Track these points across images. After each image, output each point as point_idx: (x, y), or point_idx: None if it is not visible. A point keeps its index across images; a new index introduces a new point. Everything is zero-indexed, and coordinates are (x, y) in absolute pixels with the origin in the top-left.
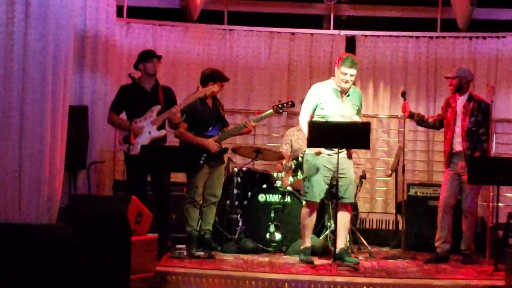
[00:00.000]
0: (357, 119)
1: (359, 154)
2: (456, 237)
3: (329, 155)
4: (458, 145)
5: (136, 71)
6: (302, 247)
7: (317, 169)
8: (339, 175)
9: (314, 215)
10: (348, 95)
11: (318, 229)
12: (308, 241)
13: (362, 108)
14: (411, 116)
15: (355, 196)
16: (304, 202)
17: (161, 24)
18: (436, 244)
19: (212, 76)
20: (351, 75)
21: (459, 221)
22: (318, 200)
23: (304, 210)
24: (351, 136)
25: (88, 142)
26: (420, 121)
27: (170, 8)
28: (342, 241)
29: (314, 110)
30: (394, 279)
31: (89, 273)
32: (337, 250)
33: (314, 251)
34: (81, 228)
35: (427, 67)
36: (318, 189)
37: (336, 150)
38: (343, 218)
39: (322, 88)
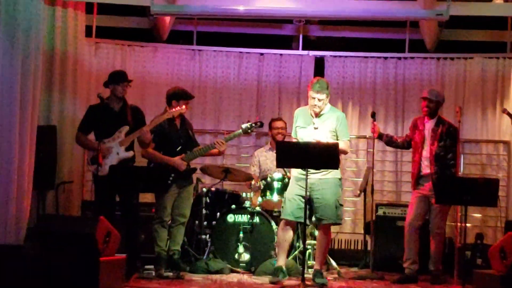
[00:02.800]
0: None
1: None
2: (424, 257)
3: (303, 175)
4: (426, 168)
5: (105, 89)
6: (275, 266)
7: (293, 188)
8: (314, 197)
9: (289, 235)
10: (320, 117)
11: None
12: (281, 260)
13: (346, 133)
14: (380, 136)
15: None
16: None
17: (130, 45)
18: (405, 265)
19: (174, 95)
20: (319, 100)
21: (427, 241)
22: (290, 218)
23: (278, 227)
24: (319, 156)
25: (57, 162)
26: (389, 141)
27: (139, 28)
28: (316, 261)
29: (296, 134)
30: None
31: None
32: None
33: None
34: (49, 248)
35: (395, 87)
36: (291, 208)
37: (310, 171)
38: (319, 239)
39: (300, 111)
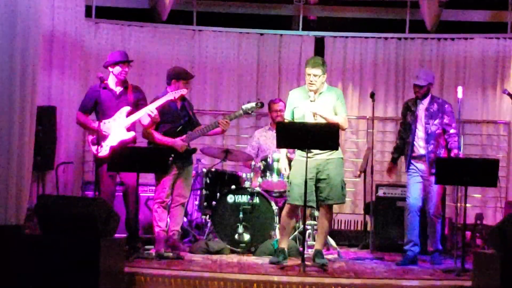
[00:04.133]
0: (336, 119)
1: None
2: (424, 238)
3: (309, 157)
4: (420, 149)
5: (105, 70)
6: (277, 247)
7: (298, 172)
8: (320, 177)
9: (294, 219)
10: (320, 95)
11: None
12: (284, 243)
13: (344, 109)
14: (395, 160)
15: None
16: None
17: (130, 25)
18: (406, 247)
19: (175, 74)
20: (314, 75)
21: (426, 222)
22: (297, 203)
23: (283, 211)
24: (319, 137)
25: (57, 142)
26: (399, 150)
27: (139, 8)
28: (317, 242)
29: (293, 116)
30: (362, 279)
31: (58, 274)
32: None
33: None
34: (50, 229)
35: (396, 68)
36: (298, 192)
37: (315, 151)
38: (321, 219)
39: (296, 92)
